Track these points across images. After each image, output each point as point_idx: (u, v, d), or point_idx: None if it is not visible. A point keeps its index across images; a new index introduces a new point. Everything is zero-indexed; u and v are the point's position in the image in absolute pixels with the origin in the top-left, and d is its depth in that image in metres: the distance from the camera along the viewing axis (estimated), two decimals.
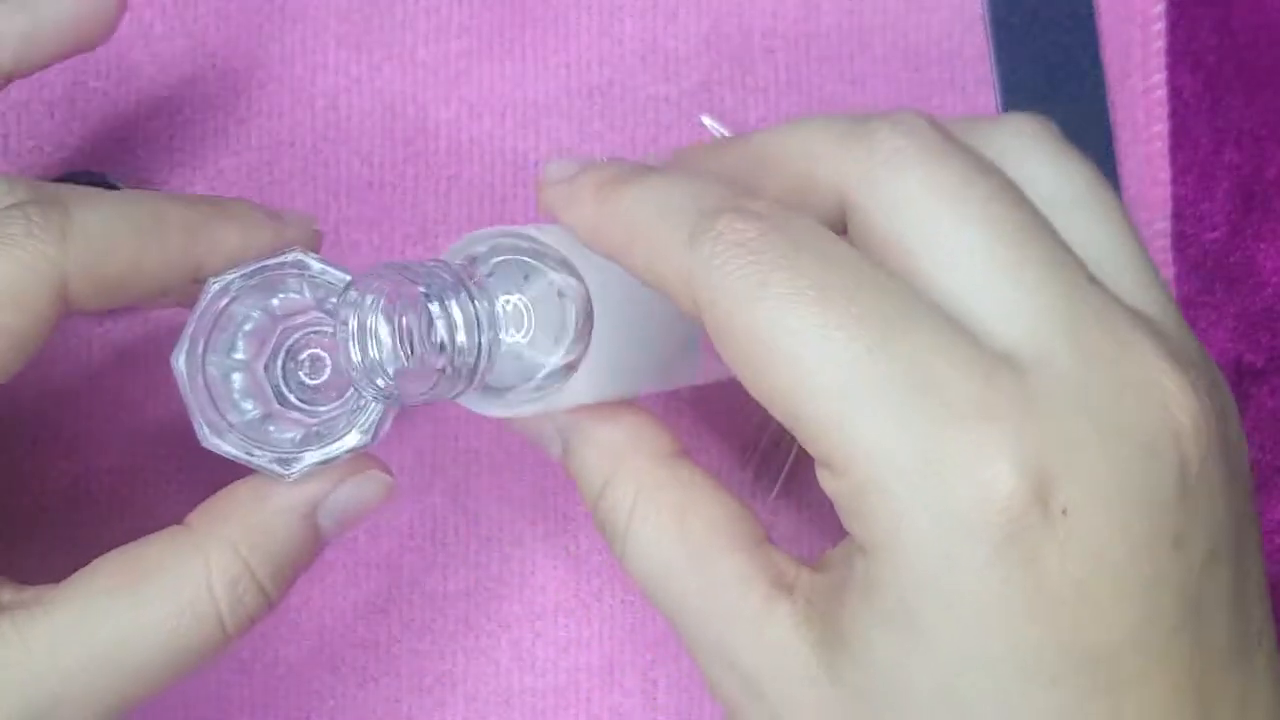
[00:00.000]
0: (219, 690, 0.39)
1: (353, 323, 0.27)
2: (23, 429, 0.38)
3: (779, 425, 0.25)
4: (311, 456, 0.29)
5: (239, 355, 0.31)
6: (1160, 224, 0.40)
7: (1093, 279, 0.24)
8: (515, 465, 0.39)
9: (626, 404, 0.30)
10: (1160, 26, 0.40)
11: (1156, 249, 0.40)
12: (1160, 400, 0.23)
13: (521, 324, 0.28)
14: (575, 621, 0.39)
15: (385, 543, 0.39)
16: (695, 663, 0.28)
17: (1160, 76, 0.40)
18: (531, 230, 0.29)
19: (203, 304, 0.29)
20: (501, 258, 0.29)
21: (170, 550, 0.29)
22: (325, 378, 0.31)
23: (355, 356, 0.27)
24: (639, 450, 0.29)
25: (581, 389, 0.29)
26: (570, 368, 0.28)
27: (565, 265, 0.29)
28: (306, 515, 0.30)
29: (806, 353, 0.23)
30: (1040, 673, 0.22)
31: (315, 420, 0.31)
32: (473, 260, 0.29)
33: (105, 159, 0.39)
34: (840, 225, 0.26)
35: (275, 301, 0.31)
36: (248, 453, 0.29)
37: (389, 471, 0.31)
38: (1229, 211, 0.40)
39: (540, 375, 0.29)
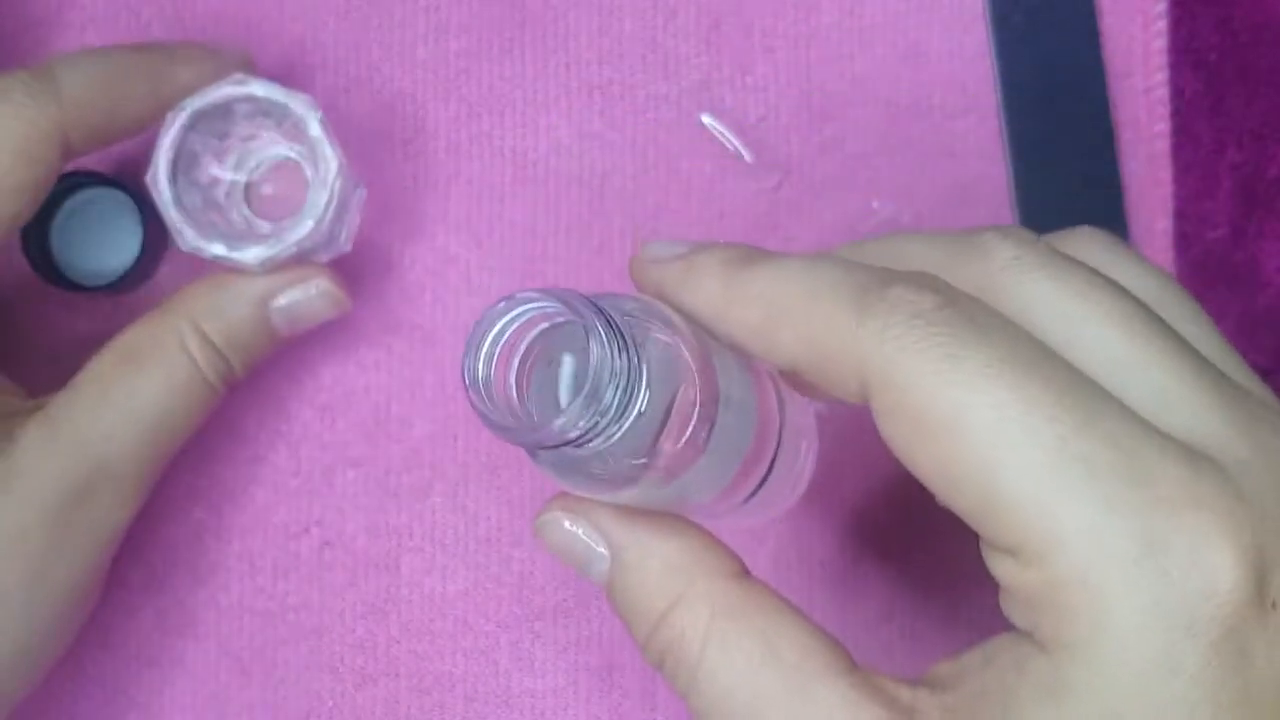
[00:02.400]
0: (219, 691, 0.39)
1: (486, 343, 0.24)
2: None
3: None
4: (267, 249, 0.34)
5: (203, 177, 0.36)
6: (1162, 224, 0.40)
7: (1222, 372, 0.25)
8: (515, 465, 0.39)
9: (683, 519, 0.28)
10: (1162, 25, 0.40)
11: (1158, 249, 0.40)
12: None
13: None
14: (574, 622, 0.39)
15: (385, 543, 0.39)
16: None
17: (1162, 75, 0.40)
18: (645, 301, 0.27)
19: (166, 130, 0.34)
20: (634, 317, 0.26)
21: (150, 332, 0.34)
22: (276, 190, 0.36)
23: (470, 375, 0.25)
24: (709, 569, 0.27)
25: (675, 491, 0.27)
26: (664, 458, 0.26)
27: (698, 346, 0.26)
28: (258, 304, 0.35)
29: (1008, 430, 0.22)
30: None
31: (280, 233, 0.35)
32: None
33: (104, 158, 0.39)
34: None
35: (230, 126, 0.36)
36: (209, 247, 0.34)
37: (344, 291, 0.36)
38: (1231, 211, 0.40)
39: (630, 460, 0.26)
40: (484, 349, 0.24)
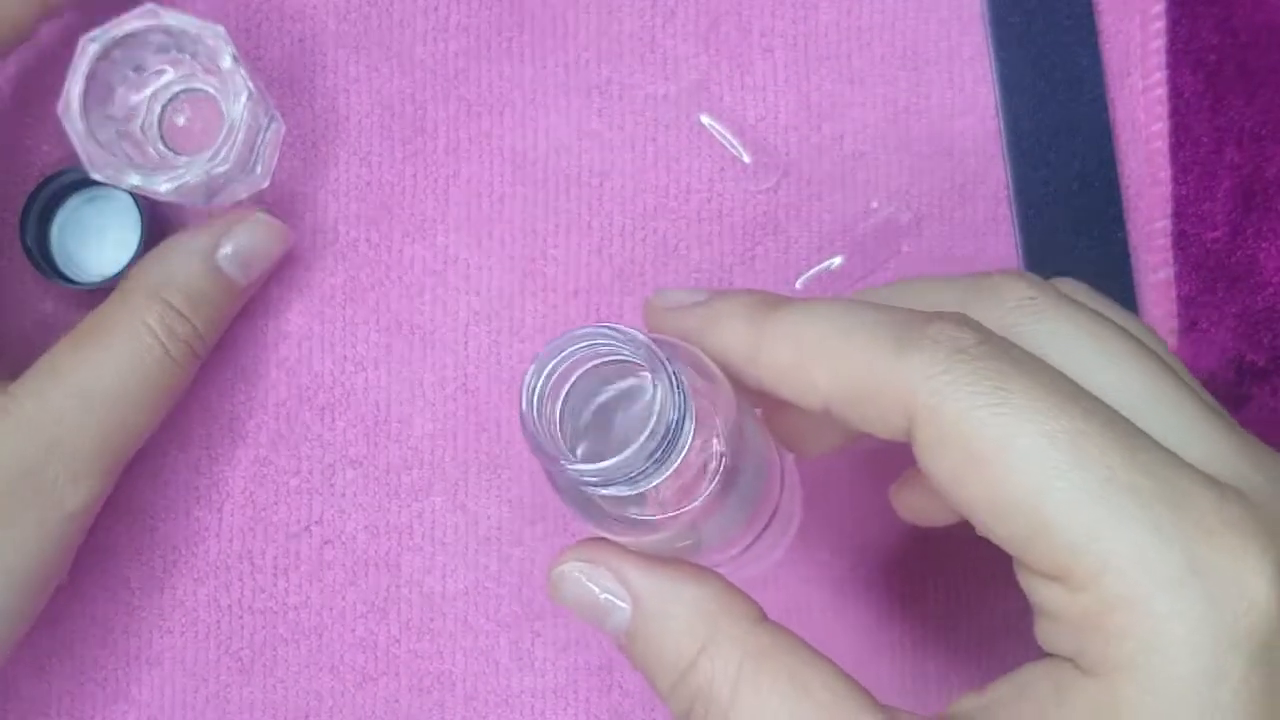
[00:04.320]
0: (219, 691, 0.39)
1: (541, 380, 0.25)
2: None
3: None
4: (178, 176, 0.34)
5: (117, 111, 0.36)
6: (1160, 223, 0.40)
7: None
8: (515, 465, 0.39)
9: (700, 565, 0.28)
10: (1160, 25, 0.40)
11: (1157, 248, 0.40)
12: None
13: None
14: (574, 621, 0.39)
15: (384, 542, 0.39)
16: None
17: (1160, 75, 0.40)
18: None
19: (78, 59, 0.34)
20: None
21: (107, 312, 0.35)
22: (191, 125, 0.37)
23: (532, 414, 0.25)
24: (733, 614, 0.27)
25: (713, 535, 0.27)
26: (696, 502, 0.27)
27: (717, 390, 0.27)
28: (207, 257, 0.36)
29: (1059, 460, 0.23)
30: None
31: (186, 165, 0.35)
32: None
33: None
34: None
35: (144, 58, 0.36)
36: (124, 178, 0.34)
37: (282, 222, 0.37)
38: (1230, 211, 0.40)
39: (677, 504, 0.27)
40: (543, 377, 0.25)
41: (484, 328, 0.40)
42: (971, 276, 0.28)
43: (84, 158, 0.34)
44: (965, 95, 0.40)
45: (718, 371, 0.27)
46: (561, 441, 0.25)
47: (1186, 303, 0.40)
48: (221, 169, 0.35)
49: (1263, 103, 0.41)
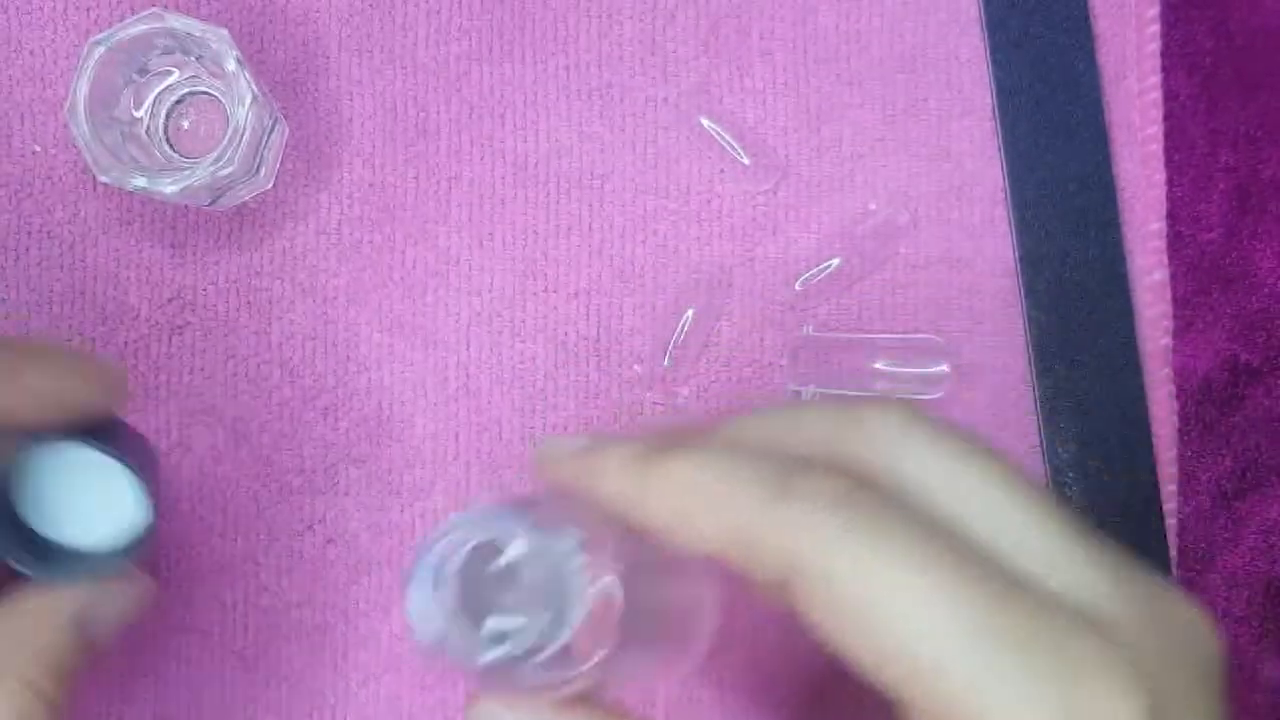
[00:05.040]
0: (222, 689, 0.39)
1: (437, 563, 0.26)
2: None
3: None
4: (184, 179, 0.35)
5: (123, 113, 0.36)
6: (1155, 225, 0.40)
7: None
8: (515, 465, 0.39)
9: (612, 705, 0.29)
10: (1155, 28, 0.41)
11: (1152, 249, 0.40)
12: (1208, 630, 0.26)
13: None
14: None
15: (386, 541, 0.39)
16: None
17: (1155, 78, 0.40)
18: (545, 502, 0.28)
19: (83, 63, 0.34)
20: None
21: None
22: (196, 127, 0.37)
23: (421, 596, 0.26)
24: None
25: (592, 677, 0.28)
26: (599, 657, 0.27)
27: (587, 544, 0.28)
28: (74, 628, 0.31)
29: (934, 612, 0.23)
30: None
31: (191, 167, 0.35)
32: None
33: None
34: None
35: (149, 61, 0.36)
36: (129, 180, 0.35)
37: (148, 584, 0.33)
38: (1225, 213, 0.41)
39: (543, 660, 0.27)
40: (427, 577, 0.26)
41: (485, 328, 0.40)
42: (843, 408, 0.29)
43: (90, 160, 0.35)
44: (963, 98, 0.40)
45: (607, 520, 0.27)
46: (462, 628, 0.25)
47: (1181, 304, 0.40)
48: (226, 171, 0.35)
49: (1257, 106, 0.41)
